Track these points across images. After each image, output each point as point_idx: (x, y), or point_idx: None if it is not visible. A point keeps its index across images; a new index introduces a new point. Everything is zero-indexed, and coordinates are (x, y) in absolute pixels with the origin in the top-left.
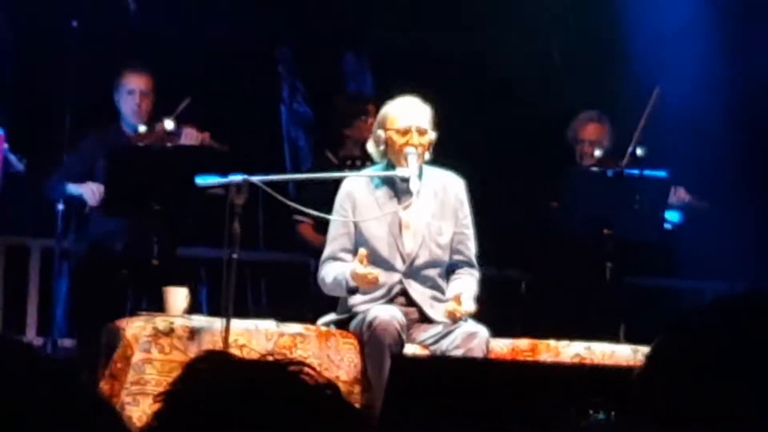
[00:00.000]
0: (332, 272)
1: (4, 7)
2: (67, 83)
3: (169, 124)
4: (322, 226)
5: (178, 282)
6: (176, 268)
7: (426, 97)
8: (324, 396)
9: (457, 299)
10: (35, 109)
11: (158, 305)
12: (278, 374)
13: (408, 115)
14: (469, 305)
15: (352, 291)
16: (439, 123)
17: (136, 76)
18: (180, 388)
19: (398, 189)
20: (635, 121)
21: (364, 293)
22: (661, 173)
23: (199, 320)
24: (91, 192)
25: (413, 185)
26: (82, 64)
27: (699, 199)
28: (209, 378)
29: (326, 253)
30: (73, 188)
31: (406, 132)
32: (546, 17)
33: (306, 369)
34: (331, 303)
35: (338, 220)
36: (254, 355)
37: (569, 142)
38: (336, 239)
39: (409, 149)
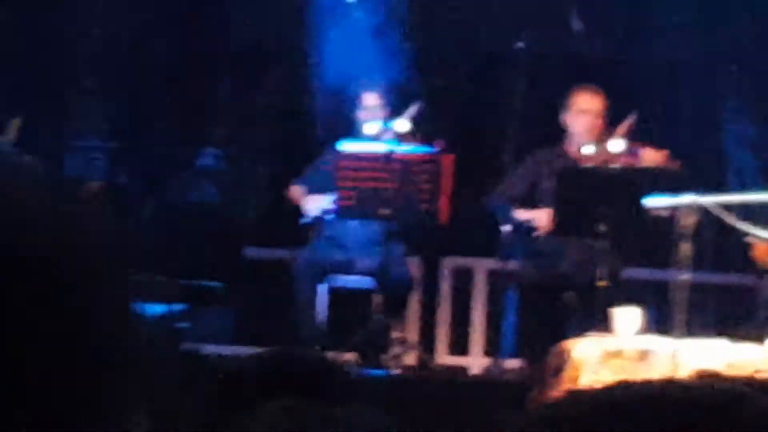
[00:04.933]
0: None
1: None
2: (513, 103)
3: (617, 145)
4: None
5: (623, 304)
6: (621, 290)
7: None
8: None
9: None
10: (480, 129)
11: (603, 327)
12: None
13: None
14: None
15: None
16: None
17: (590, 95)
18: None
19: None
20: None
21: None
22: None
23: (648, 342)
24: (541, 217)
25: None
26: (528, 84)
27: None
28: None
29: None
30: (523, 214)
31: None
32: None
33: None
34: None
35: None
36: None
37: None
38: None
39: None
